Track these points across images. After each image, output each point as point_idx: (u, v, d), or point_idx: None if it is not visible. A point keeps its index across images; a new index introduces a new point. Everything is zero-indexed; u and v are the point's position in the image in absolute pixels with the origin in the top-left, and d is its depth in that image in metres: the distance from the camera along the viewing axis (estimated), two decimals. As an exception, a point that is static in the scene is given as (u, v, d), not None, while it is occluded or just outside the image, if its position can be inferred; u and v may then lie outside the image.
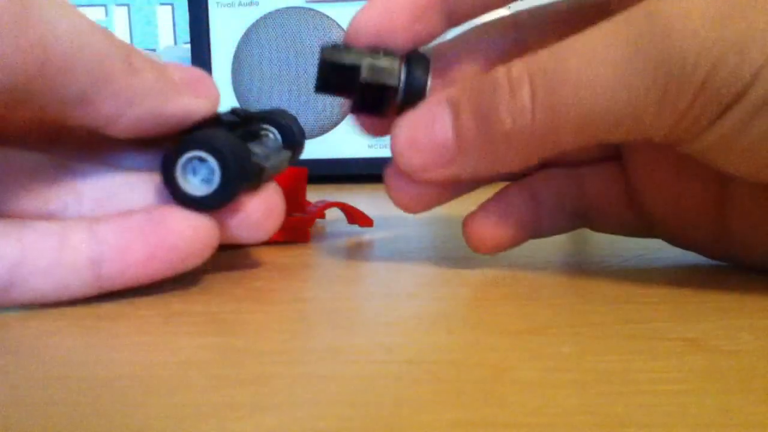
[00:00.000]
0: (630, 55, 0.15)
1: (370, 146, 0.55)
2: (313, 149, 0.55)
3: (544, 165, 0.21)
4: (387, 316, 0.16)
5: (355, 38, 0.18)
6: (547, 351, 0.14)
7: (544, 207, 0.21)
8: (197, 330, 0.16)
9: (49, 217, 0.18)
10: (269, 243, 0.26)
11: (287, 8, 0.55)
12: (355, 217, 0.28)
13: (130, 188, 0.19)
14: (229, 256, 0.24)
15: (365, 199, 0.44)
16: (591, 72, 0.15)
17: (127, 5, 0.72)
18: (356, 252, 0.25)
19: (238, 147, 0.18)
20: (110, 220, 0.17)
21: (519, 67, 0.16)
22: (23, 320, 0.17)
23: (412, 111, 0.18)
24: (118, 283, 0.17)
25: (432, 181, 0.18)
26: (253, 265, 0.23)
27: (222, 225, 0.18)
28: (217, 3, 0.56)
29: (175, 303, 0.18)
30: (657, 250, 0.23)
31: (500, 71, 0.17)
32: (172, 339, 0.15)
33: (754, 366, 0.13)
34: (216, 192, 0.17)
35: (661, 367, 0.13)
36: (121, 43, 0.17)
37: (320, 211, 0.28)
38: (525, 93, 0.16)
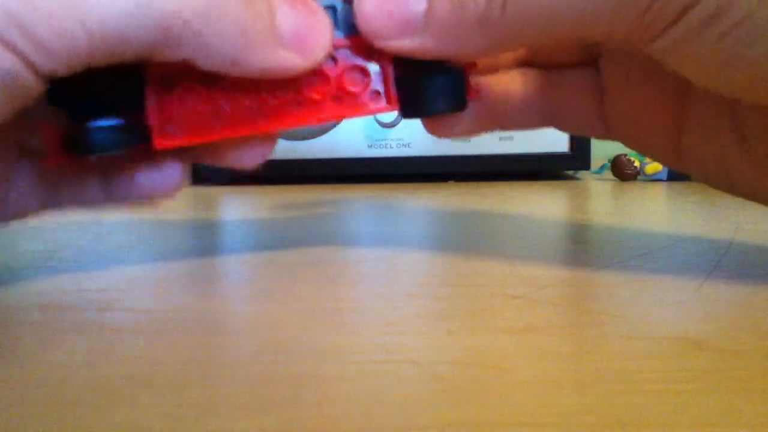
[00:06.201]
0: None
1: (369, 146, 0.55)
2: (313, 149, 0.55)
3: (521, 63, 0.23)
4: (387, 316, 0.16)
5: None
6: (547, 351, 0.14)
7: (515, 101, 0.23)
8: (197, 330, 0.16)
9: None
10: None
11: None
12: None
13: None
14: (229, 256, 0.25)
15: (365, 199, 0.44)
16: None
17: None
18: (356, 251, 0.25)
19: None
20: None
21: None
22: (23, 320, 0.17)
23: None
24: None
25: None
26: (254, 264, 0.23)
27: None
28: (217, 3, 0.56)
29: (175, 302, 0.18)
30: (657, 250, 0.23)
31: None
32: (172, 338, 0.15)
33: (754, 366, 0.13)
34: None
35: (661, 367, 0.13)
36: None
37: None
38: None
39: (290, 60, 0.17)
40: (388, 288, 0.19)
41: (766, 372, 0.13)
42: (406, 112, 0.19)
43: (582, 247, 0.26)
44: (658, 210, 0.37)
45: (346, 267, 0.22)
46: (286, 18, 0.17)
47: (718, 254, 0.23)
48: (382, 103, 0.19)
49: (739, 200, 0.21)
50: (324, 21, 0.17)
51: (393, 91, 0.19)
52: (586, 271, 0.21)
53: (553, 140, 0.55)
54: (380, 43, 0.18)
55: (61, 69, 0.14)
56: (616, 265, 0.21)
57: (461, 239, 0.28)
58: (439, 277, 0.21)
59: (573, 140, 0.55)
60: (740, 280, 0.19)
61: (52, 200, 0.20)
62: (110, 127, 0.17)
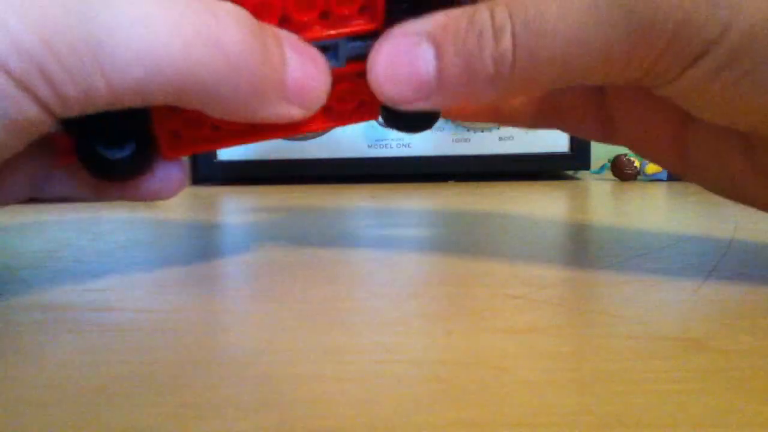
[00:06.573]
0: (604, 5, 0.15)
1: (369, 146, 0.55)
2: (313, 149, 0.55)
3: None
4: (387, 316, 0.16)
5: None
6: (547, 351, 0.14)
7: (512, 100, 0.23)
8: (198, 329, 0.16)
9: None
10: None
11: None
12: None
13: None
14: (229, 256, 0.25)
15: (365, 199, 0.44)
16: (567, 21, 0.16)
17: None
18: (356, 251, 0.25)
19: None
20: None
21: (502, 11, 0.16)
22: (23, 320, 0.17)
23: (390, 42, 0.17)
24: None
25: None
26: (254, 264, 0.23)
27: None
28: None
29: (175, 302, 0.18)
30: (657, 250, 0.23)
31: (484, 15, 0.17)
32: (171, 338, 0.15)
33: (754, 366, 0.13)
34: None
35: (661, 367, 0.13)
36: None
37: None
38: (506, 40, 0.16)
39: (291, 112, 0.17)
40: (388, 288, 0.19)
41: (766, 372, 0.13)
42: (388, 124, 0.20)
43: (582, 247, 0.26)
44: (658, 210, 0.37)
45: (346, 267, 0.22)
46: (294, 73, 0.17)
47: (717, 254, 0.23)
48: (368, 115, 0.21)
49: (739, 200, 0.21)
50: (325, 73, 0.17)
51: (378, 106, 0.20)
52: (586, 271, 0.21)
53: (553, 140, 0.55)
54: (397, 108, 0.18)
55: (75, 113, 0.15)
56: (616, 265, 0.21)
57: (461, 239, 0.28)
58: (439, 277, 0.21)
59: (573, 140, 0.55)
60: (740, 280, 0.19)
61: (40, 192, 0.20)
62: (127, 157, 0.18)
